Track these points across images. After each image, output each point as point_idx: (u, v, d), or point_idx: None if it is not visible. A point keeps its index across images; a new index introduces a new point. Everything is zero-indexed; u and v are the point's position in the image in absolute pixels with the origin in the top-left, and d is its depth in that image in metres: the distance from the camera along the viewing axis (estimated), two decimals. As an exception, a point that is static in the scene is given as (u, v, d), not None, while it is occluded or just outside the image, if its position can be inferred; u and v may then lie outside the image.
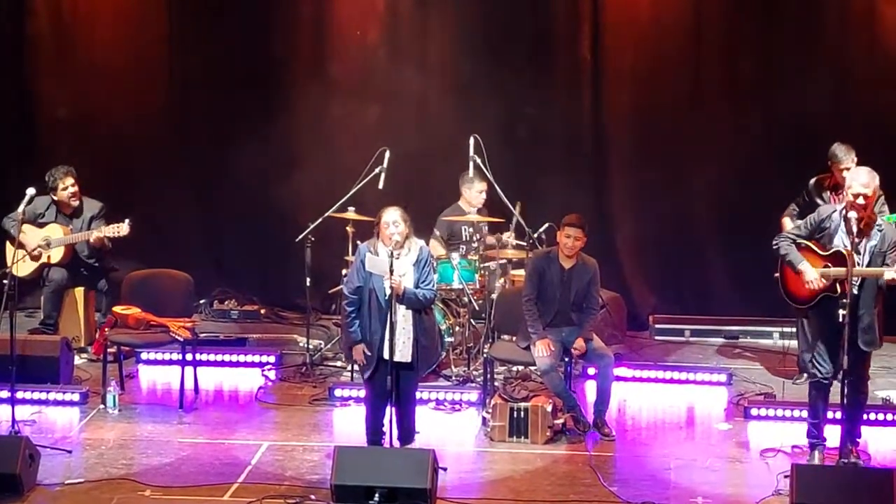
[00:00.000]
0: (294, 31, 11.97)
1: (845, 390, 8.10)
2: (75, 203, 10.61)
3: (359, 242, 8.54)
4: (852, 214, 8.03)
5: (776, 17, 11.43)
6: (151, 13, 12.04)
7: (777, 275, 8.52)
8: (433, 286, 8.29)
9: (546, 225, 10.15)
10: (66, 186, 10.56)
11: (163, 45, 12.07)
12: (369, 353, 8.19)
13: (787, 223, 9.87)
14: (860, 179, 8.13)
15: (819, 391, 8.39)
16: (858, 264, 8.01)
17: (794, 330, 10.36)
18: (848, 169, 9.50)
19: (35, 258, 10.48)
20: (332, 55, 11.91)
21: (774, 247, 8.42)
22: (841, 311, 8.01)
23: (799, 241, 8.31)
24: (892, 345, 10.19)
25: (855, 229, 7.97)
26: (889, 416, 9.12)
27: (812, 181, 9.88)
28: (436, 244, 10.49)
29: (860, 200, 8.06)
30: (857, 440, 8.50)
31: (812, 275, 8.16)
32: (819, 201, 9.79)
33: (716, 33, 11.58)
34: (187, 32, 12.01)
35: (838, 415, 8.29)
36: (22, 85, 12.08)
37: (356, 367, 8.45)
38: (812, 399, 8.46)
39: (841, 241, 8.15)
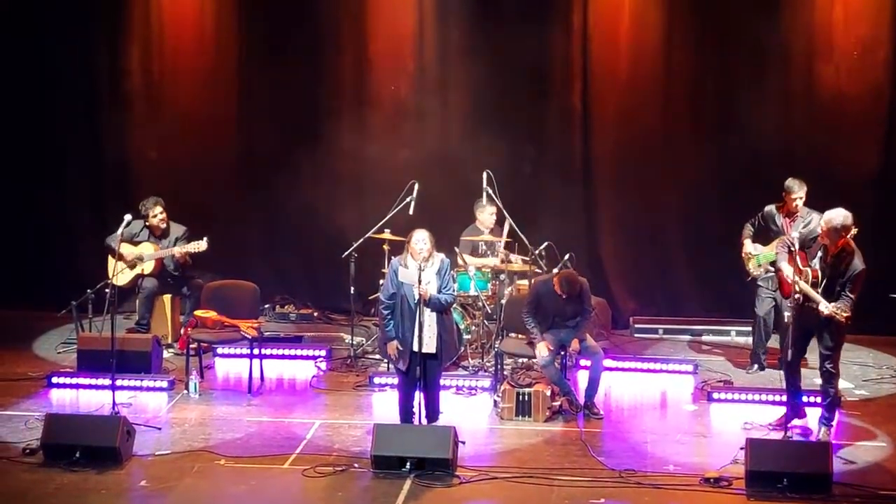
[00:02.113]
0: (339, 87, 11.93)
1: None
2: (163, 226, 10.62)
3: (393, 258, 8.53)
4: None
5: (731, 71, 11.38)
6: (225, 73, 12.02)
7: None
8: (452, 292, 8.31)
9: (545, 244, 10.12)
10: (156, 214, 10.58)
11: (233, 99, 12.06)
12: (402, 348, 8.20)
13: (748, 244, 9.77)
14: (828, 219, 8.12)
15: (785, 369, 8.32)
16: (820, 284, 8.02)
17: (749, 329, 10.32)
18: (801, 198, 9.45)
19: (131, 267, 10.51)
20: (372, 105, 11.88)
21: (777, 254, 8.54)
22: (786, 314, 7.99)
23: (792, 248, 8.24)
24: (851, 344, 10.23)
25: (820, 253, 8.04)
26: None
27: (769, 208, 9.78)
28: (466, 257, 10.44)
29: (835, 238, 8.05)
30: (826, 422, 8.39)
31: (788, 271, 8.15)
32: (773, 226, 9.70)
33: (682, 86, 11.54)
34: (253, 90, 12.00)
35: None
36: (120, 131, 12.07)
37: (393, 359, 8.41)
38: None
39: (815, 263, 8.14)
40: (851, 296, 8.00)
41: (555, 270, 9.64)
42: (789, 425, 8.25)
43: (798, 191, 9.50)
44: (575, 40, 11.59)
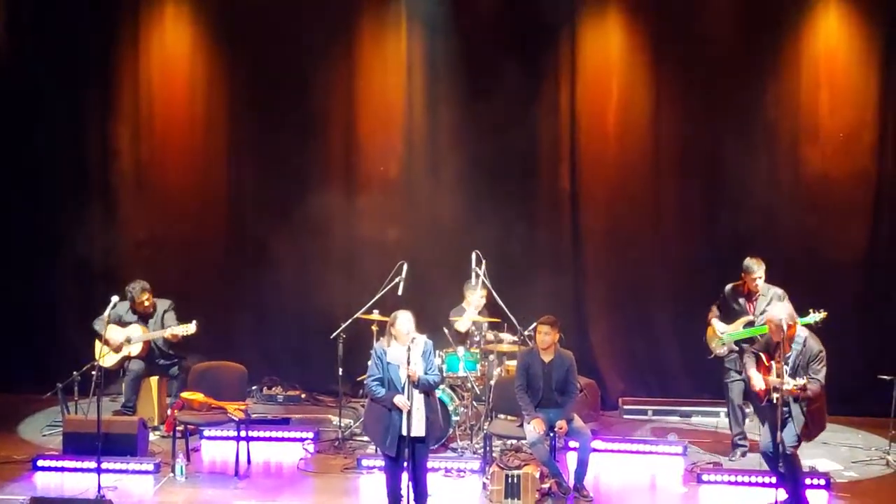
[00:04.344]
0: (329, 168, 12.10)
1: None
2: (150, 310, 10.72)
3: (375, 344, 8.61)
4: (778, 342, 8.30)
5: (717, 153, 11.60)
6: (214, 155, 12.21)
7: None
8: (437, 371, 8.41)
9: (534, 325, 10.22)
10: (142, 301, 10.64)
11: (222, 181, 12.23)
12: (403, 407, 8.20)
13: (716, 323, 9.92)
14: (770, 318, 8.42)
15: (766, 462, 8.46)
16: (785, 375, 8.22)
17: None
18: (760, 277, 9.60)
19: (117, 351, 10.58)
20: (361, 186, 12.04)
21: (744, 363, 8.71)
22: (775, 395, 8.14)
23: (759, 353, 8.52)
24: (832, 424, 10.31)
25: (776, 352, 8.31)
26: (815, 481, 9.08)
27: (728, 287, 9.93)
28: (450, 337, 10.52)
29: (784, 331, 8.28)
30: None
31: (757, 380, 8.42)
32: (735, 306, 9.85)
33: (669, 170, 11.76)
34: (242, 172, 12.19)
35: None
36: (108, 212, 12.19)
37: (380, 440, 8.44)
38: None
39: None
40: (817, 377, 8.22)
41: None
42: None
43: (757, 270, 9.65)
44: (563, 122, 11.82)
